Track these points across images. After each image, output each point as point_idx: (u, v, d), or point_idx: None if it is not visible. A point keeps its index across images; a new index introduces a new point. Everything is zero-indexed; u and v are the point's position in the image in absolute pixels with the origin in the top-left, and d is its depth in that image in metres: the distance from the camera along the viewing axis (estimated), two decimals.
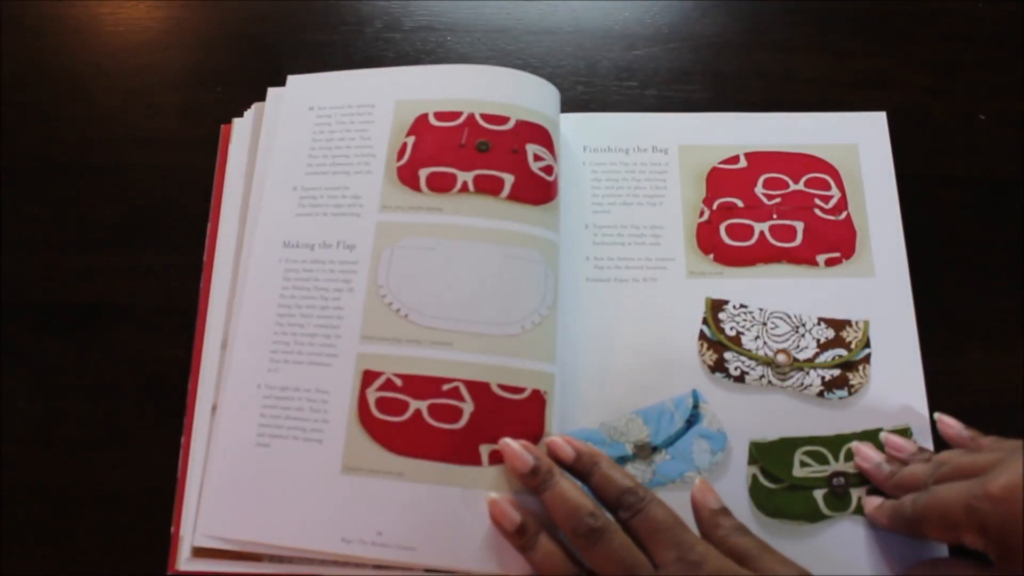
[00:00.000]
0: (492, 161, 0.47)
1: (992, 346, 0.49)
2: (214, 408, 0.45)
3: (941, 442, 0.45)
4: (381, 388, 0.43)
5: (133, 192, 0.53)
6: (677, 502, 0.43)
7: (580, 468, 0.41)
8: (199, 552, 0.42)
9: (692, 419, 0.45)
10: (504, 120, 0.47)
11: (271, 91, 0.51)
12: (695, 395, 0.46)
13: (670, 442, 0.45)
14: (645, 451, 0.45)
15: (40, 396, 0.48)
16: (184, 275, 0.50)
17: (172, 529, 0.43)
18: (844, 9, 0.57)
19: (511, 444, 0.41)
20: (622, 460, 0.45)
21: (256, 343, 0.45)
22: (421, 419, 0.42)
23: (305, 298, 0.45)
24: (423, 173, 0.47)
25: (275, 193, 0.48)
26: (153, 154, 0.54)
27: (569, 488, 0.39)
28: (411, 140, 0.48)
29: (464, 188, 0.46)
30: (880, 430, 0.45)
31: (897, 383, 0.46)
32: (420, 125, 0.48)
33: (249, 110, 0.51)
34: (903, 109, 0.54)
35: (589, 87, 0.55)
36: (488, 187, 0.46)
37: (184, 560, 0.42)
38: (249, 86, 0.54)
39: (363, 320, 0.44)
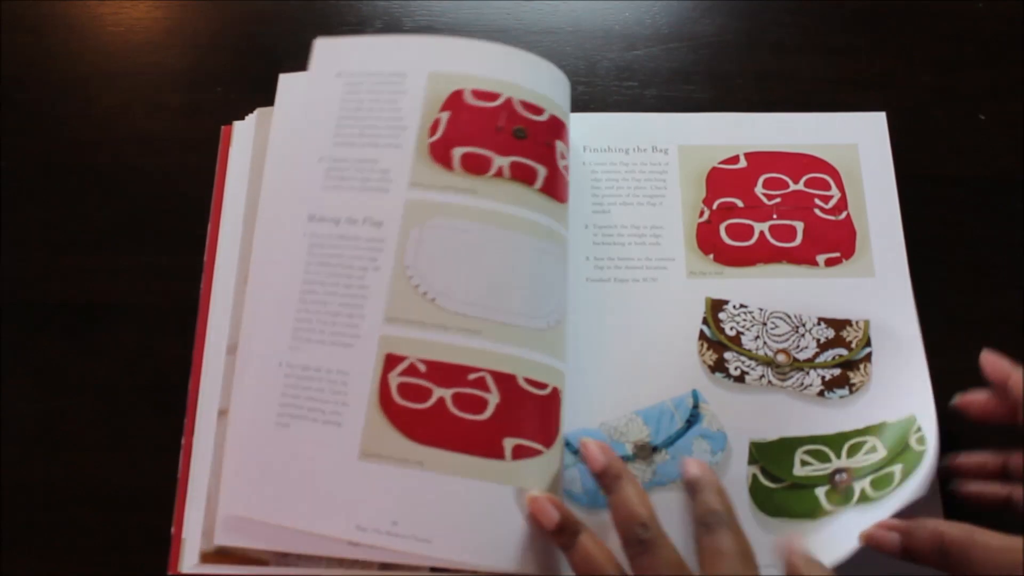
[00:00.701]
0: (528, 150, 0.45)
1: (992, 346, 0.49)
2: (222, 413, 0.44)
3: (947, 438, 0.44)
4: (404, 373, 0.41)
5: (133, 192, 0.53)
6: (676, 502, 0.43)
7: (603, 482, 0.41)
8: (206, 557, 0.41)
9: (692, 419, 0.45)
10: (540, 111, 0.46)
11: (283, 77, 0.49)
12: (695, 395, 0.46)
13: (670, 442, 0.45)
14: (645, 451, 0.45)
15: (40, 396, 0.48)
16: (184, 275, 0.50)
17: (172, 529, 0.43)
18: (844, 9, 0.57)
19: (589, 444, 0.41)
20: (622, 460, 0.45)
21: (279, 319, 0.43)
22: (444, 408, 0.41)
23: (329, 275, 0.43)
24: (457, 152, 0.44)
25: (300, 164, 0.45)
26: (153, 154, 0.54)
27: (630, 495, 0.39)
28: (445, 116, 0.45)
29: (499, 173, 0.44)
30: (883, 423, 0.45)
31: (899, 381, 0.46)
32: (455, 101, 0.45)
33: (251, 114, 0.51)
34: (903, 109, 0.54)
35: (589, 87, 0.55)
36: (523, 175, 0.44)
37: (189, 565, 0.41)
38: (249, 86, 0.54)
39: (388, 301, 0.42)
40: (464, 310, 0.42)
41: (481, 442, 0.41)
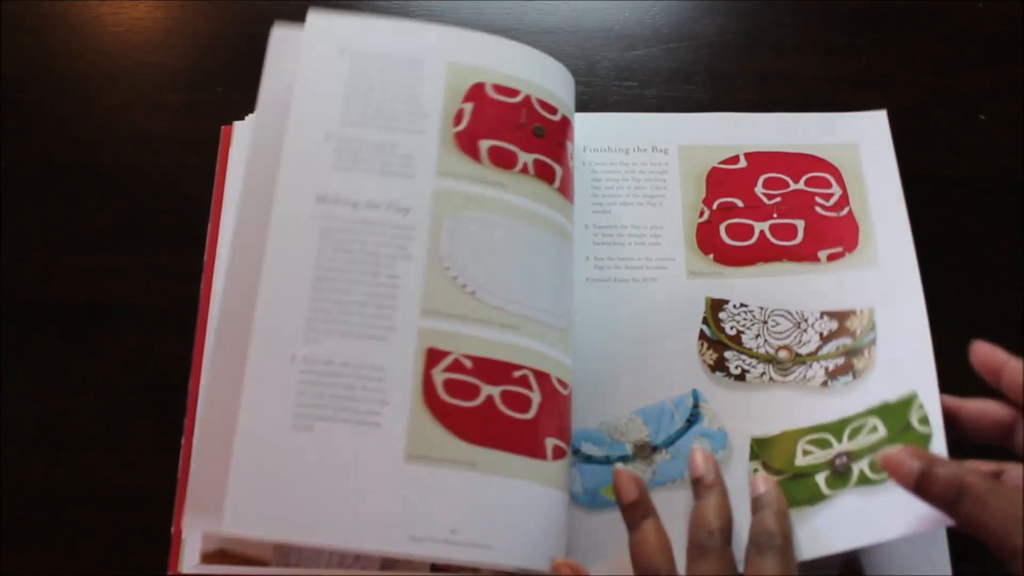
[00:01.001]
0: (546, 148, 0.45)
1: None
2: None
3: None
4: (449, 369, 0.39)
5: (133, 192, 0.53)
6: (677, 501, 0.43)
7: (696, 488, 0.42)
8: (206, 557, 0.40)
9: (692, 418, 0.45)
10: (555, 111, 0.46)
11: (276, 30, 0.45)
12: (695, 394, 0.46)
13: (670, 441, 0.45)
14: (645, 451, 0.45)
15: (40, 396, 0.48)
16: (184, 275, 0.50)
17: (172, 529, 0.43)
18: (844, 9, 0.57)
19: (697, 451, 0.43)
20: (622, 460, 0.45)
21: (287, 310, 0.39)
22: (494, 406, 0.39)
23: (350, 262, 0.40)
24: (484, 144, 0.43)
25: (302, 142, 0.42)
26: (153, 154, 0.54)
27: (710, 504, 0.40)
28: (469, 107, 0.44)
29: (524, 169, 0.43)
30: (884, 403, 0.43)
31: (902, 360, 0.44)
32: (477, 93, 0.44)
33: (251, 114, 0.51)
34: (903, 109, 0.53)
35: (589, 87, 0.55)
36: (544, 173, 0.44)
37: (189, 565, 0.41)
38: (249, 86, 0.54)
39: (425, 293, 0.40)
40: (504, 305, 0.41)
41: (528, 442, 0.40)
